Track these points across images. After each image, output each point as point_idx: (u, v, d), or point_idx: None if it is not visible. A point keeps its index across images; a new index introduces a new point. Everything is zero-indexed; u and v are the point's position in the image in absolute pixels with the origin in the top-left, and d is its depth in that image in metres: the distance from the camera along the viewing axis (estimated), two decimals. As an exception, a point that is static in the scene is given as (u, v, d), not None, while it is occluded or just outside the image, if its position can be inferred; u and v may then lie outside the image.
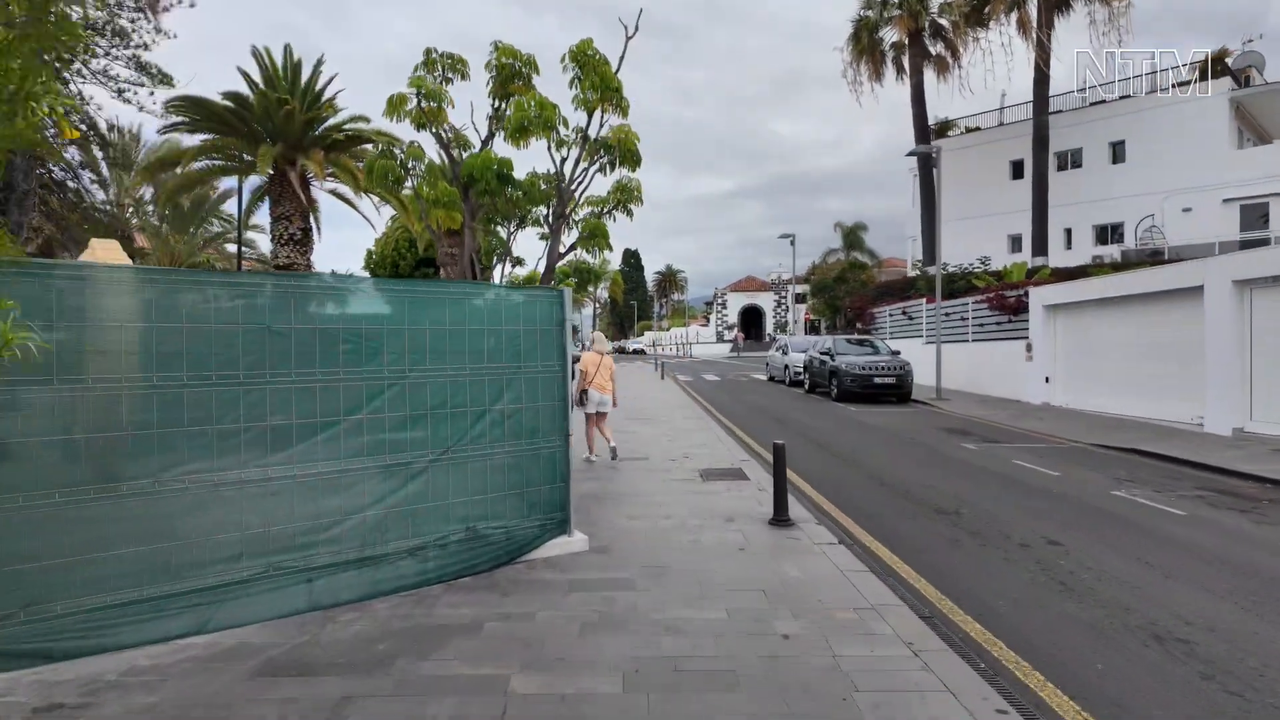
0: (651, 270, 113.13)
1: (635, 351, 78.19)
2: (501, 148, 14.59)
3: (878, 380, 18.02)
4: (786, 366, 24.14)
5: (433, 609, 4.46)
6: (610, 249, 15.65)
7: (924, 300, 23.60)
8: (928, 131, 30.97)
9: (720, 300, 75.77)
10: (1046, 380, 16.79)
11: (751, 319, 73.74)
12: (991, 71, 29.83)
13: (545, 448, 5.46)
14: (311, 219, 23.25)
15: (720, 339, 71.82)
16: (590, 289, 46.01)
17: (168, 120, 19.45)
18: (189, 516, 4.03)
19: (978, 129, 35.61)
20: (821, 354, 20.15)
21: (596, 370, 9.55)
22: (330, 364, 4.51)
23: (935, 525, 6.85)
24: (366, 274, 49.76)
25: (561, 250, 15.77)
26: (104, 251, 11.51)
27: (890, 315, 26.15)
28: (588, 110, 13.95)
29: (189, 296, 4.06)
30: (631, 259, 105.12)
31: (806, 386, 21.38)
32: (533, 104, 12.83)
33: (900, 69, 32.46)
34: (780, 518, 6.39)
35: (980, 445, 11.62)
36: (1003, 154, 33.70)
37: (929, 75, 31.25)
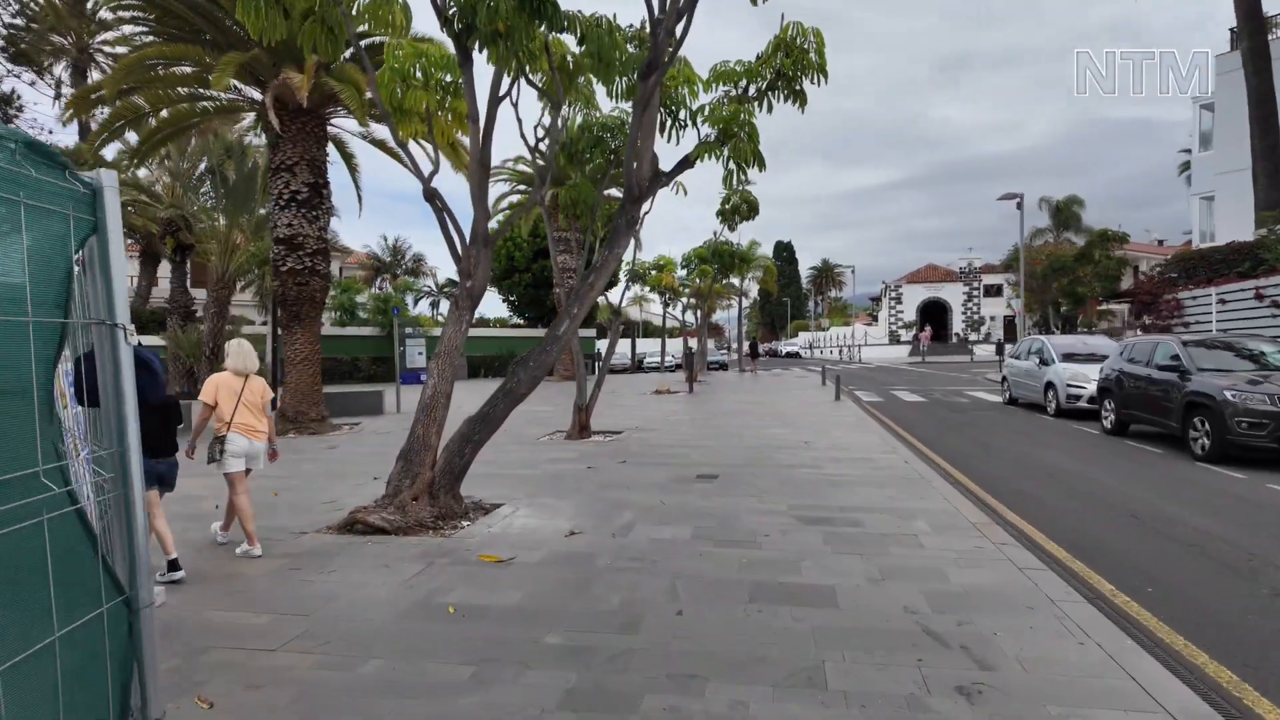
0: (805, 266, 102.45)
1: (789, 355, 68.74)
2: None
3: (1319, 425, 8.64)
4: (1051, 385, 14.84)
5: None
6: (759, 161, 7.62)
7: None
8: (1261, 15, 19.88)
9: (893, 293, 64.51)
10: None
11: (933, 315, 62.01)
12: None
13: None
14: (348, 173, 17.23)
15: (895, 340, 60.70)
16: (735, 279, 37.34)
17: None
18: None
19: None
20: (1161, 368, 10.85)
21: (237, 401, 4.97)
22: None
23: None
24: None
25: (663, 167, 7.98)
26: None
27: (1221, 302, 15.93)
28: None
29: None
30: (784, 252, 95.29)
31: (1110, 424, 12.14)
32: None
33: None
34: None
35: None
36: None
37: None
